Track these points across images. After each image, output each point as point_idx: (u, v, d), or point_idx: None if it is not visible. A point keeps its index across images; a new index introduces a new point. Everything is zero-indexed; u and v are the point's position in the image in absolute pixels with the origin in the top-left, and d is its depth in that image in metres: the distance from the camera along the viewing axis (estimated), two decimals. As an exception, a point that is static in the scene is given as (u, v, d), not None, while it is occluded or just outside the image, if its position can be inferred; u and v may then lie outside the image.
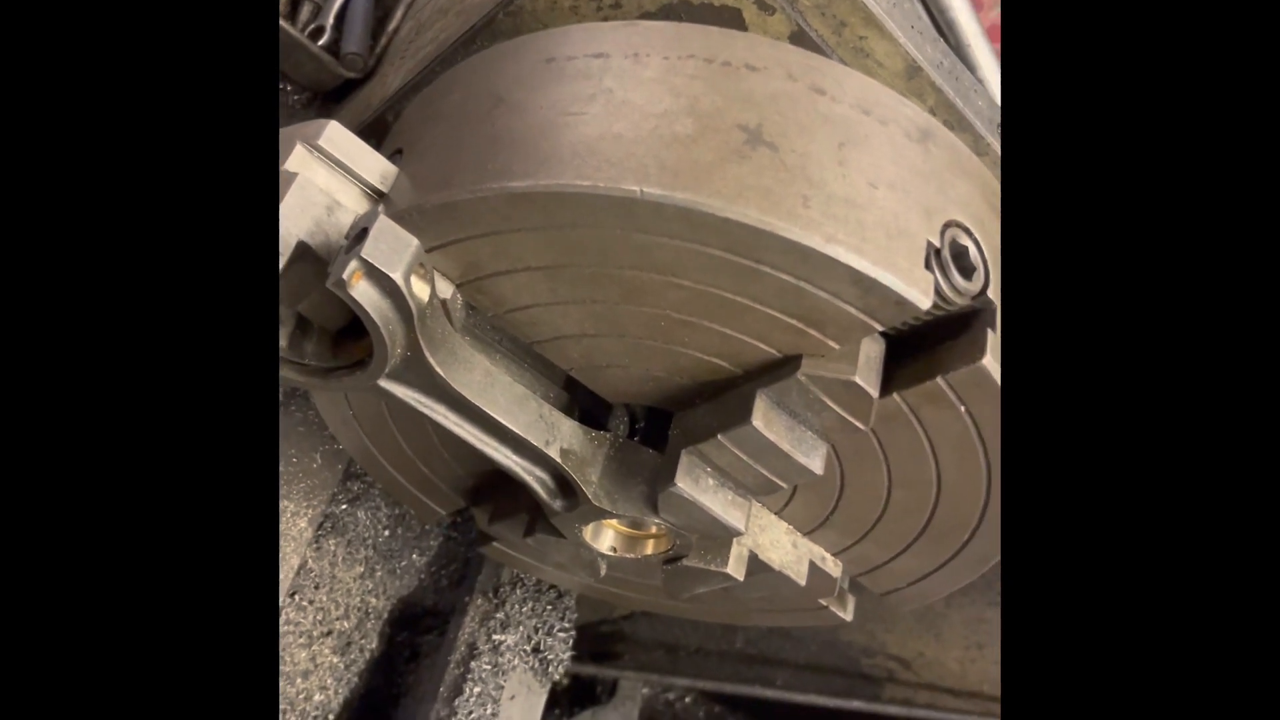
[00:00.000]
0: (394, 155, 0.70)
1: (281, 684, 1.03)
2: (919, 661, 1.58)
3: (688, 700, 1.81)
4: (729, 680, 1.68)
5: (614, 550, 0.81)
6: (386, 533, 1.09)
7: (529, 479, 0.75)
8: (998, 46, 1.07)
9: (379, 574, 1.10)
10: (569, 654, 1.11)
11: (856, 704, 1.58)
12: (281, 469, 0.98)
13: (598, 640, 1.75)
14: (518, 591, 1.08)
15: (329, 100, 1.11)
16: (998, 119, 0.82)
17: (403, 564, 1.12)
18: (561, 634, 1.10)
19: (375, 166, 0.67)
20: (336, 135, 0.66)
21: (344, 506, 1.04)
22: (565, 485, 0.75)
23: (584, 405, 0.80)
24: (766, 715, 1.76)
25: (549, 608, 1.09)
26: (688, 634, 1.70)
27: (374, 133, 0.92)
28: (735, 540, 0.78)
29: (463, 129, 0.68)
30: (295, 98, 1.12)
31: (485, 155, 0.64)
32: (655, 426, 0.80)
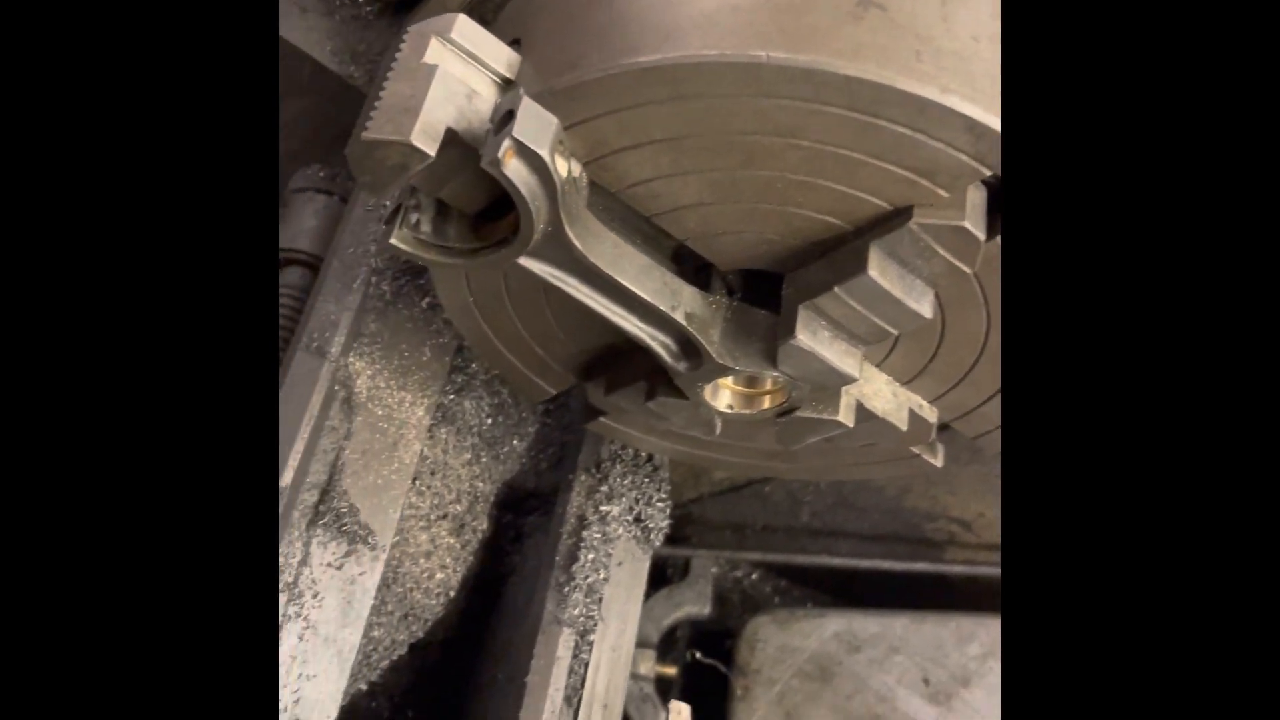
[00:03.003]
0: (512, 44, 0.75)
1: (406, 564, 1.10)
2: (979, 523, 1.66)
3: (754, 577, 1.90)
4: (795, 553, 1.77)
5: (731, 407, 0.87)
6: (489, 421, 1.16)
7: (654, 344, 0.81)
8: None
9: (484, 460, 1.17)
10: (667, 522, 1.19)
11: (921, 566, 1.67)
12: (396, 362, 1.04)
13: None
14: (618, 466, 1.14)
15: (401, 8, 1.14)
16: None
17: (505, 450, 1.19)
18: (660, 504, 1.17)
19: (502, 55, 0.72)
20: (465, 28, 0.70)
21: (451, 397, 1.11)
22: (688, 347, 0.81)
23: (687, 276, 0.86)
24: (831, 585, 1.85)
25: (647, 480, 1.16)
26: (754, 513, 1.78)
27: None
28: (844, 390, 0.84)
29: (580, 13, 0.72)
30: (367, 8, 1.16)
31: (608, 35, 0.69)
32: (752, 292, 0.85)
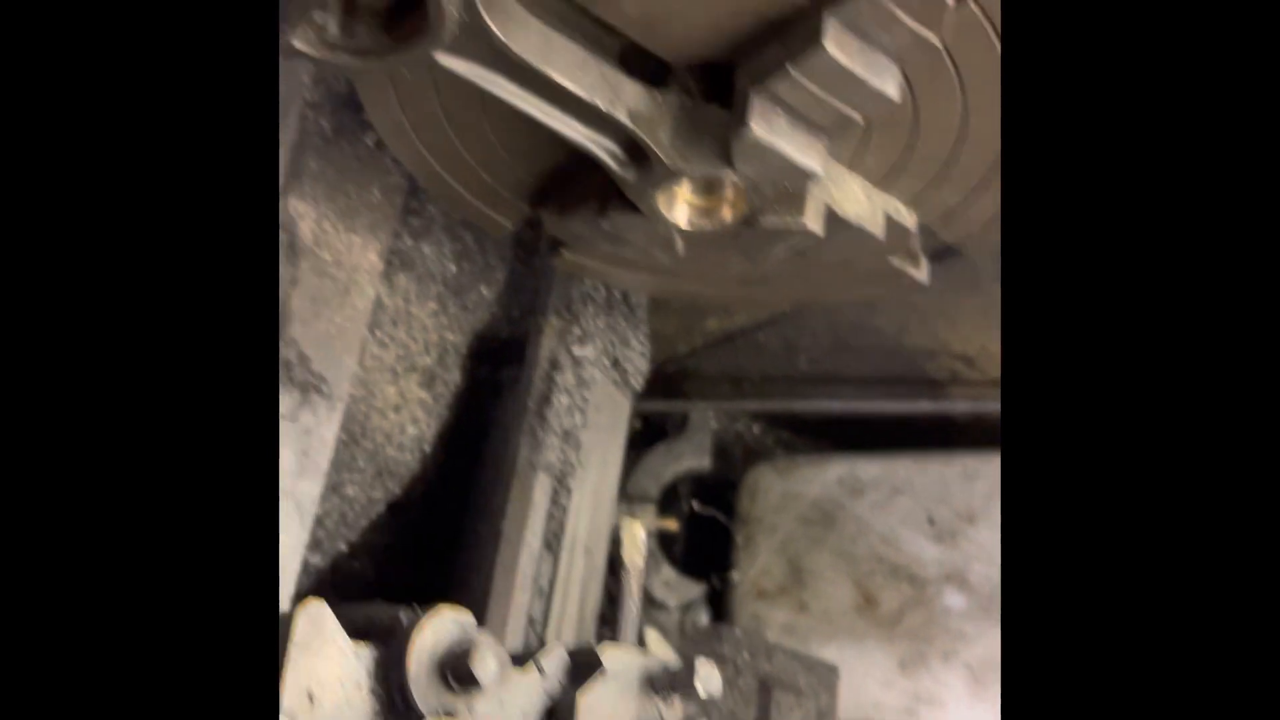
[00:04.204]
0: None
1: (375, 419, 1.06)
2: (982, 356, 1.60)
3: (756, 430, 1.86)
4: (795, 399, 1.72)
5: (689, 221, 0.80)
6: (453, 268, 1.10)
7: (598, 150, 0.74)
8: None
9: (451, 309, 1.11)
10: (647, 365, 1.14)
11: (924, 406, 1.62)
12: (342, 203, 0.97)
13: (664, 381, 1.79)
14: (590, 307, 1.09)
15: None
16: None
17: (472, 298, 1.13)
18: (638, 345, 1.12)
19: None
20: None
21: (409, 242, 1.05)
22: (635, 151, 0.74)
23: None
24: (834, 433, 1.81)
25: (622, 321, 1.11)
26: (750, 363, 1.73)
27: None
28: (810, 195, 0.77)
29: None
30: None
31: None
32: (709, 95, 0.77)
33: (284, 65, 0.96)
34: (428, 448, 1.13)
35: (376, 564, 1.21)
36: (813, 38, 0.65)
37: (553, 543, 1.02)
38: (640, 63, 0.75)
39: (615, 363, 1.11)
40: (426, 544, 1.21)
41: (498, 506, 1.01)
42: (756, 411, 1.77)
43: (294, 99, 0.95)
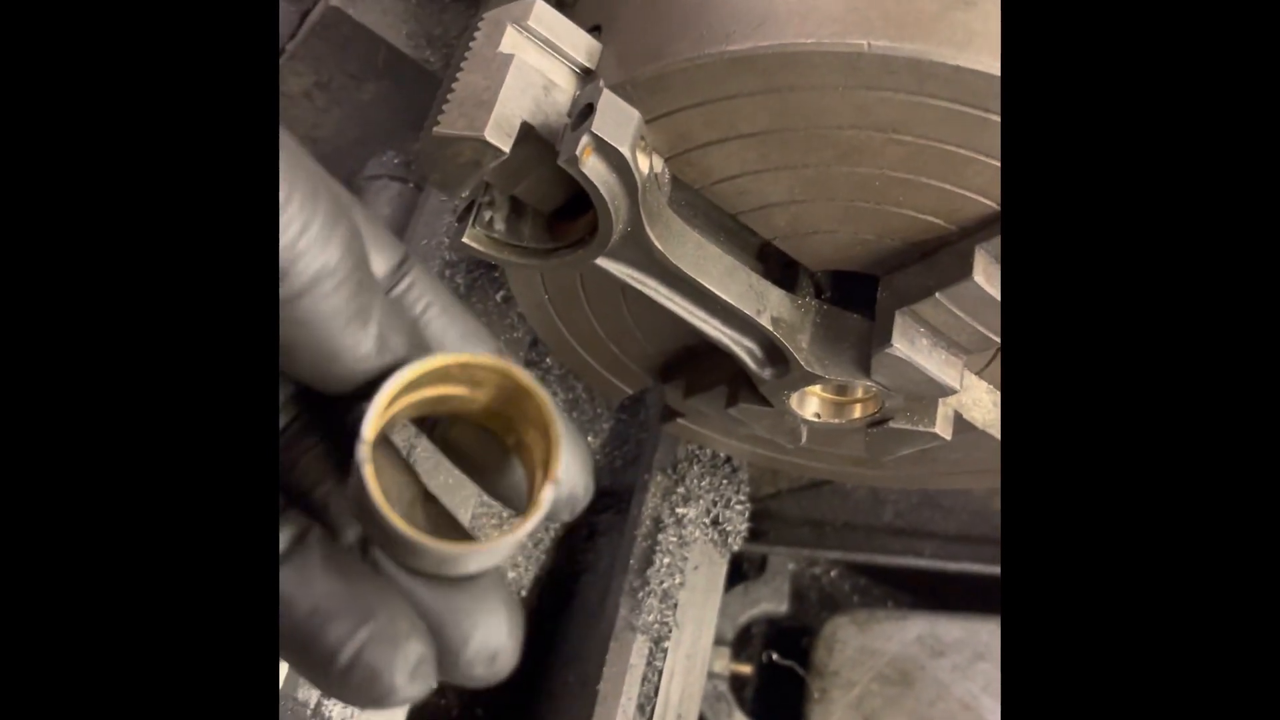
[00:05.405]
0: (592, 31, 0.70)
1: (478, 563, 1.08)
2: (1073, 526, 1.58)
3: (834, 574, 1.85)
4: (877, 552, 1.71)
5: (818, 416, 0.82)
6: (563, 417, 1.12)
7: (738, 349, 0.76)
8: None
9: (558, 457, 1.13)
10: (745, 525, 1.15)
11: (1010, 570, 1.59)
12: (469, 358, 1.01)
13: (745, 519, 1.79)
14: (695, 467, 1.10)
15: (479, -10, 1.10)
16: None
17: (579, 447, 1.15)
18: (739, 506, 1.13)
19: (581, 44, 0.67)
20: (543, 14, 0.66)
21: (525, 393, 1.07)
22: (774, 353, 0.76)
23: (773, 275, 0.81)
24: (913, 585, 1.79)
25: (725, 481, 1.12)
26: (834, 510, 1.72)
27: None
28: (941, 400, 0.78)
29: (665, -1, 0.67)
30: (445, -13, 1.12)
31: (696, 21, 0.64)
32: (841, 292, 0.80)
33: (426, 223, 1.00)
34: (524, 592, 1.14)
35: (461, 701, 1.21)
36: (963, 268, 0.67)
37: (645, 705, 1.02)
38: (778, 255, 0.78)
39: (715, 522, 1.12)
40: (511, 684, 1.21)
41: (595, 666, 1.01)
42: (837, 559, 1.76)
43: (434, 257, 0.99)
